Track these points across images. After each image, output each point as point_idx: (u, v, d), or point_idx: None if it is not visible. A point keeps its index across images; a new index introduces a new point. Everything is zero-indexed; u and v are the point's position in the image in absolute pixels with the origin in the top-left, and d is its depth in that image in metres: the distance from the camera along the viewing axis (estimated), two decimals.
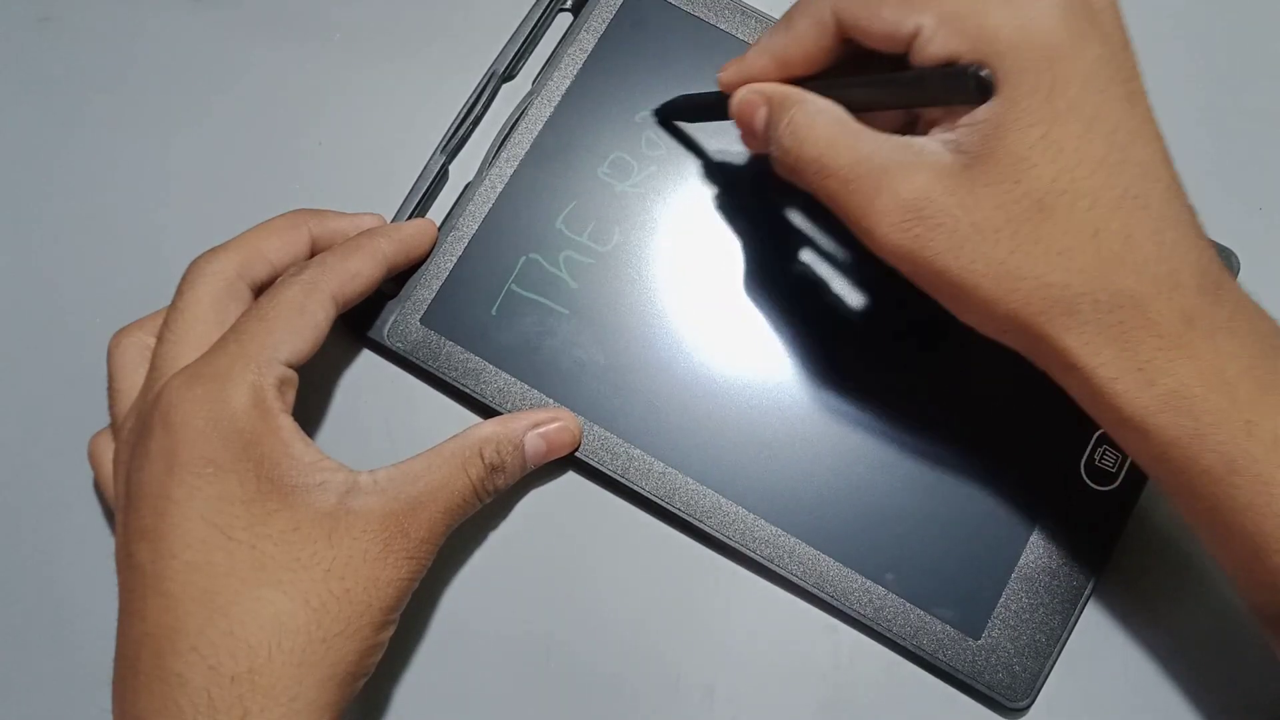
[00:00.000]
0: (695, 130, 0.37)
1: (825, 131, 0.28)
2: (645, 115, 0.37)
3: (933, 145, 0.27)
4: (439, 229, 0.36)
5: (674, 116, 0.37)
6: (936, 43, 0.27)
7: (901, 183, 0.27)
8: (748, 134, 0.31)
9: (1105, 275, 0.26)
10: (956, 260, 0.27)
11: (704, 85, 0.37)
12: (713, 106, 0.33)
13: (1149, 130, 0.27)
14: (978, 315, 0.28)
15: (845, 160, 0.28)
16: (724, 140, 0.37)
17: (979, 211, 0.26)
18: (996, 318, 0.28)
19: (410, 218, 0.37)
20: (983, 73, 0.26)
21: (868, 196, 0.27)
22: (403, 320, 0.35)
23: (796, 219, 0.36)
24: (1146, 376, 0.27)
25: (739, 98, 0.31)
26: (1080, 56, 0.26)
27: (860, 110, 0.29)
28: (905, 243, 0.27)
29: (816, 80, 0.30)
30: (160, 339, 0.32)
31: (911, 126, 0.30)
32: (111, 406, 0.33)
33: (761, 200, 0.36)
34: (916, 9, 0.27)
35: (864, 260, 0.36)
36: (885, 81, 0.28)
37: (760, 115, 0.30)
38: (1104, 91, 0.26)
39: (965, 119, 0.27)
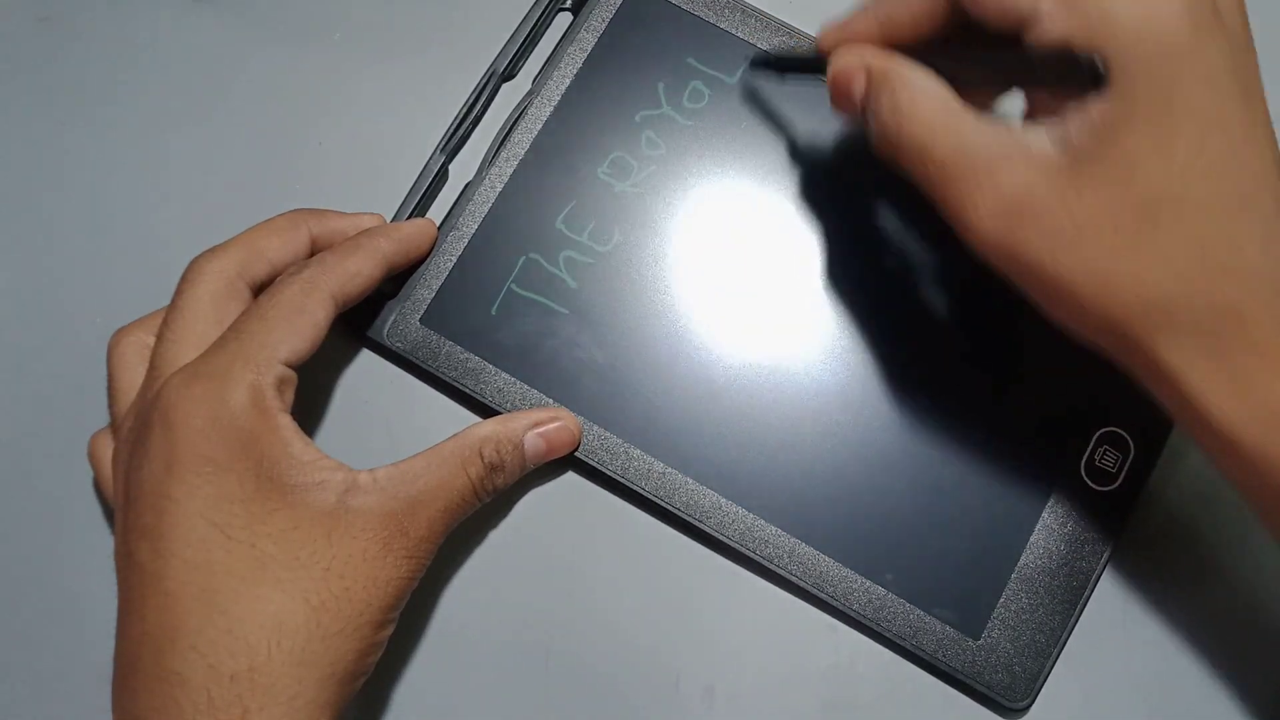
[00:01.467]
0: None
1: (928, 113, 0.27)
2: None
3: (1039, 137, 0.26)
4: (439, 229, 0.36)
5: (769, 67, 0.35)
6: (1053, 24, 0.25)
7: (1005, 176, 0.26)
8: (843, 101, 0.30)
9: (1208, 285, 0.25)
10: (1055, 260, 0.26)
11: (702, 84, 0.37)
12: (811, 62, 0.32)
13: (1265, 135, 0.26)
14: (1071, 316, 0.27)
15: (948, 147, 0.27)
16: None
17: (1083, 212, 0.25)
18: (1091, 321, 0.27)
19: (410, 217, 0.37)
20: (1098, 61, 0.24)
21: (968, 187, 0.26)
22: (402, 320, 0.35)
23: (801, 215, 0.36)
24: (1241, 390, 0.26)
25: (839, 63, 0.30)
26: (1202, 55, 0.25)
27: (965, 86, 0.28)
28: (1004, 239, 0.26)
29: (920, 51, 0.29)
30: (159, 338, 0.32)
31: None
32: (111, 406, 0.33)
33: (768, 197, 0.36)
34: None
35: (866, 261, 0.36)
36: (995, 60, 0.27)
37: (859, 84, 0.29)
38: (1223, 93, 0.25)
39: (1077, 112, 0.25)
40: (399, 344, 0.35)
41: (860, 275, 0.36)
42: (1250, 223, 0.25)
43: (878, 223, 0.36)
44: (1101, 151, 0.25)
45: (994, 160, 0.26)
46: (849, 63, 0.30)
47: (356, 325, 0.36)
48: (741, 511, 0.34)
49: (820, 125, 0.37)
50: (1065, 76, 0.25)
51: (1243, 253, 0.25)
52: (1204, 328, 0.26)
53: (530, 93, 0.38)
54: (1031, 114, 0.28)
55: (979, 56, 0.28)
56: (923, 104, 0.27)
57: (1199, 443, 0.28)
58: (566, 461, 0.35)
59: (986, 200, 0.26)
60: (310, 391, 0.35)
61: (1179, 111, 0.25)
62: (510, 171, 0.37)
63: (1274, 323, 0.25)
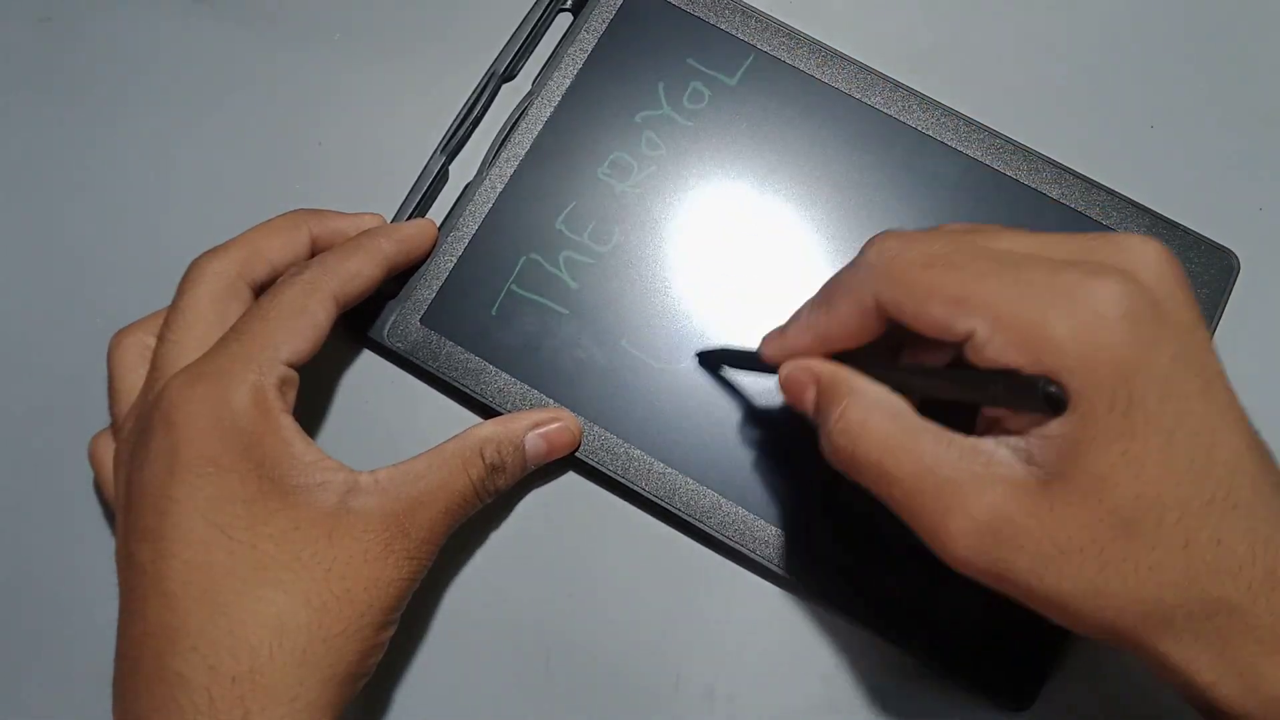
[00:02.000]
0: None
1: (881, 432, 0.26)
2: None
3: (1003, 453, 0.25)
4: (439, 229, 0.36)
5: (718, 364, 0.35)
6: (993, 349, 0.25)
7: (975, 501, 0.25)
8: (797, 408, 0.29)
9: (1198, 585, 0.25)
10: (1041, 580, 0.25)
11: (702, 85, 0.37)
12: (758, 364, 0.31)
13: (1230, 419, 0.25)
14: (1067, 623, 0.26)
15: (908, 470, 0.26)
16: None
17: (1062, 532, 0.25)
18: (1089, 627, 0.26)
19: (410, 218, 0.37)
20: (1052, 389, 0.24)
21: (938, 514, 0.25)
22: (403, 320, 0.35)
23: (801, 215, 0.36)
24: (1248, 682, 0.25)
25: (786, 374, 0.30)
26: (1154, 364, 0.24)
27: (917, 395, 0.27)
28: (985, 562, 0.25)
29: (869, 358, 0.28)
30: (161, 339, 0.32)
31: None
32: (112, 406, 0.33)
33: (768, 197, 0.36)
34: (968, 311, 0.25)
35: None
36: (946, 376, 0.27)
37: (809, 397, 0.29)
38: (1180, 393, 0.24)
39: (1037, 430, 0.25)
40: (400, 344, 0.35)
41: None
42: (1232, 517, 0.25)
43: (882, 222, 0.36)
44: (1069, 471, 0.24)
45: (961, 483, 0.25)
46: (796, 375, 0.29)
47: (357, 325, 0.36)
48: (741, 511, 0.34)
49: None
50: (1019, 398, 0.25)
51: (1228, 549, 0.25)
52: (1203, 626, 0.25)
53: (530, 93, 0.38)
54: (986, 422, 0.27)
55: (932, 371, 0.27)
56: (876, 423, 0.27)
57: None
58: (567, 461, 0.35)
59: (960, 525, 0.25)
60: (311, 392, 0.35)
61: (1140, 423, 0.24)
62: (510, 172, 0.37)
63: (1271, 612, 0.25)
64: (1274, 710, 0.25)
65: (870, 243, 0.28)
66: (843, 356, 0.29)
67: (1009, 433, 0.26)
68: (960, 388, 0.26)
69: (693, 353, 0.35)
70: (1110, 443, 0.24)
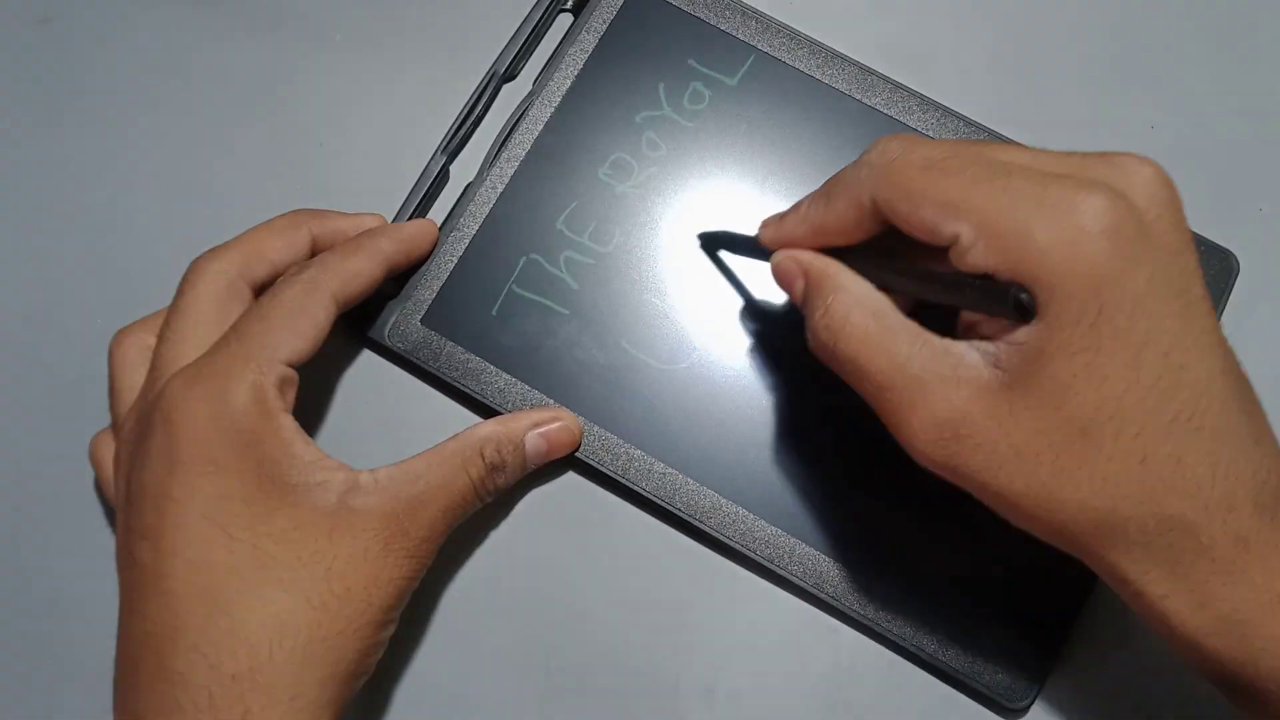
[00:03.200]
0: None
1: (861, 328, 0.27)
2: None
3: (972, 356, 0.26)
4: (440, 229, 0.36)
5: (717, 246, 0.36)
6: (975, 254, 0.25)
7: (938, 399, 0.26)
8: (787, 293, 0.31)
9: (1153, 501, 0.25)
10: (995, 479, 0.26)
11: (702, 85, 0.37)
12: (755, 249, 0.32)
13: (1206, 342, 0.25)
14: (1021, 524, 0.27)
15: (881, 365, 0.27)
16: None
17: (1018, 434, 0.25)
18: (1041, 530, 0.27)
19: (411, 218, 0.37)
20: (1023, 296, 0.24)
21: (903, 408, 0.26)
22: (403, 320, 0.35)
23: None
24: (1198, 599, 0.26)
25: (778, 262, 0.31)
26: (1130, 281, 0.25)
27: (900, 294, 0.28)
28: (942, 457, 0.26)
29: (857, 254, 0.29)
30: (161, 339, 0.32)
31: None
32: (112, 406, 0.33)
33: (769, 197, 0.36)
34: (956, 215, 0.26)
35: None
36: (926, 277, 0.27)
37: (798, 287, 0.30)
38: (1157, 313, 0.25)
39: (1006, 336, 0.26)
40: (400, 344, 0.35)
41: None
42: (1195, 437, 0.25)
43: None
44: (1032, 376, 0.25)
45: (927, 381, 0.26)
46: (787, 264, 0.30)
47: (358, 325, 0.36)
48: (741, 511, 0.34)
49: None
50: (992, 303, 0.25)
51: (1188, 469, 0.25)
52: (1155, 541, 0.25)
53: (531, 94, 0.38)
54: (965, 325, 0.28)
55: (913, 271, 0.28)
56: (856, 318, 0.28)
57: (1163, 639, 0.27)
58: (567, 461, 0.35)
59: (922, 420, 0.26)
60: (312, 392, 0.35)
61: (1108, 337, 0.24)
62: (511, 172, 0.37)
63: (1227, 534, 0.25)
64: (1223, 628, 0.26)
65: (874, 144, 0.28)
66: (834, 252, 0.30)
67: (983, 338, 0.26)
68: (939, 290, 0.27)
69: (690, 352, 0.35)
70: (1075, 353, 0.25)
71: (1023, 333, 0.25)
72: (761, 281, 0.36)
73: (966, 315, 0.28)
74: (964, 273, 0.26)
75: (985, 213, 0.25)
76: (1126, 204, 0.25)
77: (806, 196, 0.30)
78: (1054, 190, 0.25)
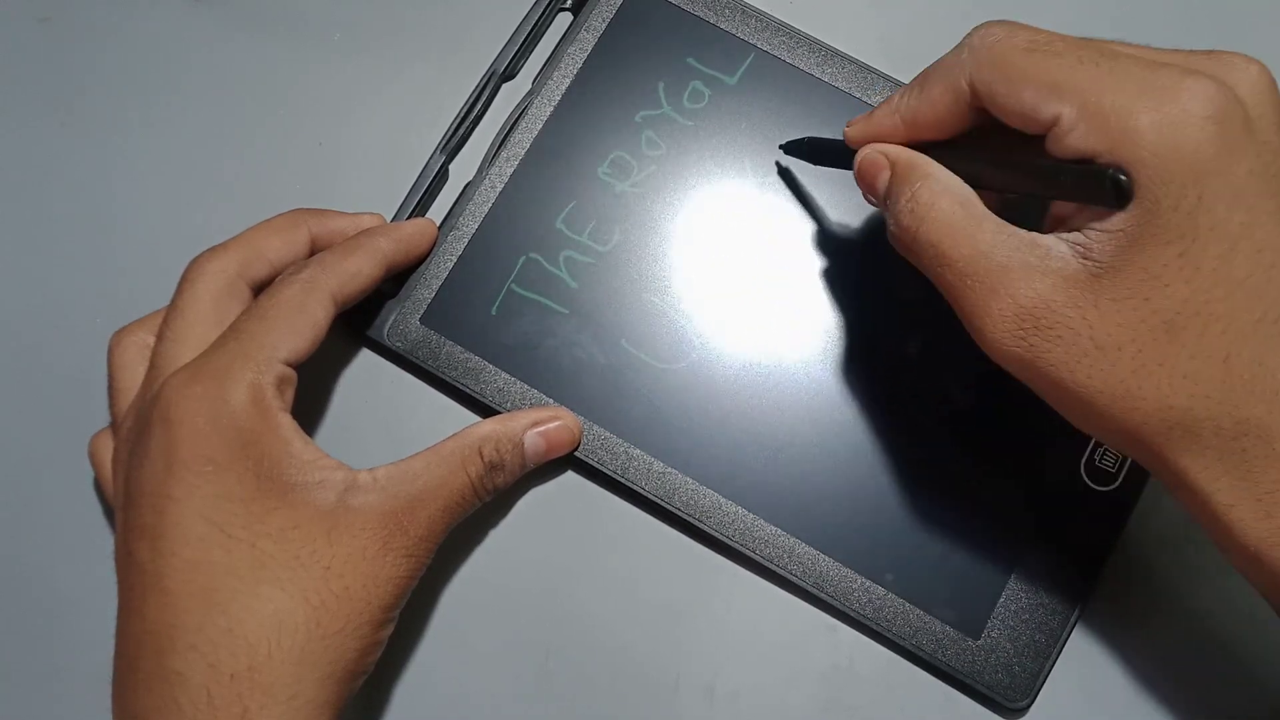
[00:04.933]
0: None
1: (947, 215, 0.27)
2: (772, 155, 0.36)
3: (1059, 247, 0.26)
4: (439, 228, 0.36)
5: (797, 154, 0.36)
6: (1075, 136, 0.25)
7: (1021, 286, 0.25)
8: (868, 191, 0.30)
9: (1232, 402, 0.25)
10: (1073, 373, 0.25)
11: (702, 84, 0.37)
12: (839, 154, 0.32)
13: None
14: (1089, 425, 0.27)
15: (965, 252, 0.26)
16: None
17: (1101, 326, 0.25)
18: (1110, 431, 0.26)
19: (410, 217, 0.37)
20: (1121, 177, 0.24)
21: (983, 295, 0.26)
22: (402, 320, 0.35)
23: (802, 215, 0.36)
24: (1265, 508, 0.25)
25: (863, 156, 0.30)
26: (1230, 172, 0.24)
27: (987, 189, 0.28)
28: (1019, 350, 0.26)
29: (946, 148, 0.29)
30: (160, 338, 0.32)
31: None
32: (111, 405, 0.33)
33: (769, 197, 0.36)
34: (1059, 96, 0.25)
35: (867, 262, 0.36)
36: (1017, 167, 0.27)
37: (883, 179, 0.29)
38: (1253, 208, 0.24)
39: (1098, 224, 0.25)
40: (399, 344, 0.35)
41: (861, 276, 0.36)
42: (1278, 342, 0.25)
43: (879, 224, 0.36)
44: (1122, 266, 0.25)
45: (1011, 269, 0.26)
46: (873, 157, 0.30)
47: (356, 325, 0.36)
48: (741, 511, 0.34)
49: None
50: (1089, 191, 0.25)
51: (1270, 372, 0.25)
52: (1228, 445, 0.25)
53: (530, 92, 0.38)
54: (1054, 222, 0.27)
55: (1003, 162, 0.27)
56: (942, 206, 0.27)
57: (1226, 555, 0.27)
58: (566, 461, 0.35)
59: (1003, 309, 0.26)
60: (310, 391, 0.35)
61: (1204, 229, 0.24)
62: (510, 171, 0.37)
63: None
64: None
65: (974, 29, 0.28)
66: (921, 149, 0.29)
67: (1072, 230, 0.26)
68: (1033, 179, 0.26)
69: (690, 351, 0.35)
70: (1169, 241, 0.24)
71: (1117, 219, 0.25)
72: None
73: (1057, 209, 0.27)
74: (1060, 159, 0.25)
75: (1088, 94, 0.25)
76: (1232, 95, 0.25)
77: (898, 90, 0.30)
78: (1161, 75, 0.25)
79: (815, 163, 0.35)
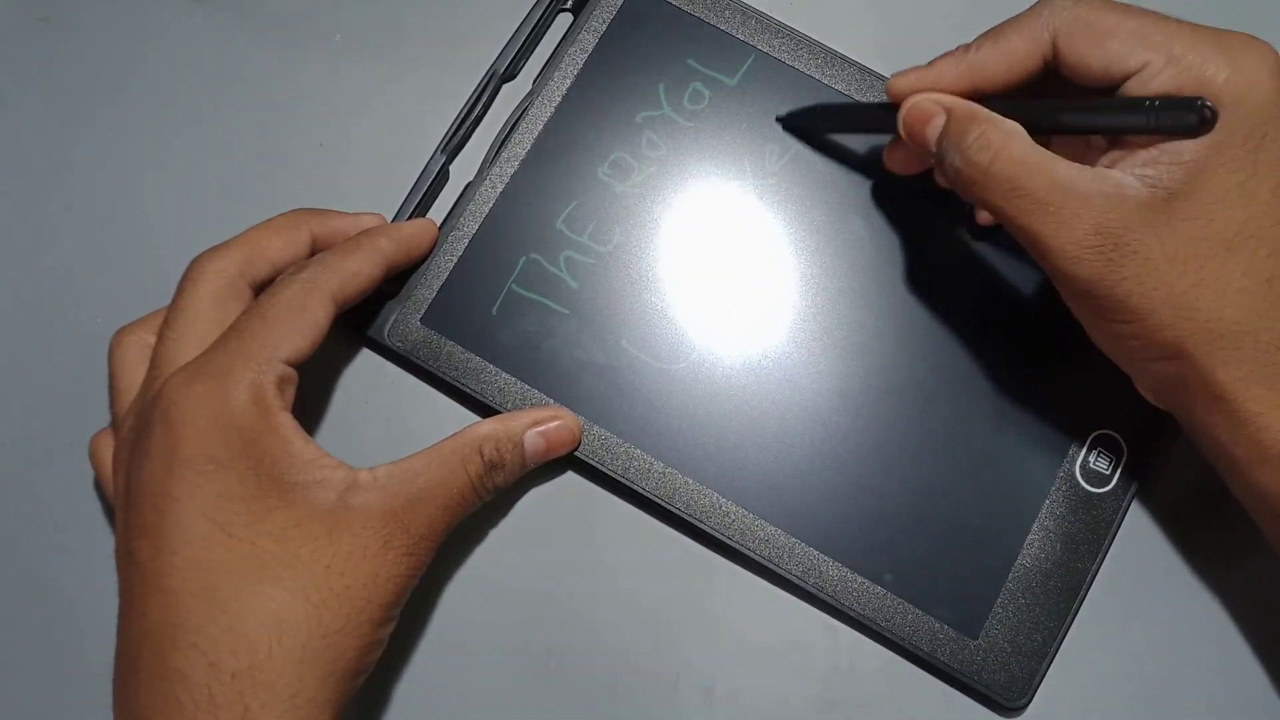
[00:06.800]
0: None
1: (1021, 152, 0.29)
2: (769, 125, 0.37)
3: (1128, 179, 0.28)
4: (440, 229, 0.36)
5: (802, 125, 0.36)
6: (1160, 81, 0.28)
7: (1102, 210, 0.28)
8: (915, 137, 0.31)
9: (1272, 318, 0.28)
10: (1141, 286, 0.28)
11: (702, 85, 0.37)
12: (857, 118, 0.33)
13: None
14: (1141, 338, 0.29)
15: (1043, 183, 0.28)
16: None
17: (1172, 243, 0.28)
18: (1159, 343, 0.29)
19: (411, 217, 0.37)
20: (1207, 106, 0.27)
21: (1064, 220, 0.28)
22: (403, 320, 0.35)
23: (801, 216, 0.36)
24: None
25: (914, 102, 0.31)
26: None
27: (1046, 134, 0.30)
28: (1096, 267, 0.28)
29: (998, 100, 0.30)
30: (160, 337, 0.32)
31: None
32: (112, 405, 0.33)
33: (768, 197, 0.37)
34: (1148, 46, 0.28)
35: (866, 262, 0.36)
36: (1092, 107, 0.29)
37: (935, 124, 0.31)
38: None
39: (1168, 156, 0.28)
40: (400, 344, 0.35)
41: (860, 276, 0.36)
42: None
43: (878, 224, 0.36)
44: (1190, 192, 0.27)
45: (1093, 197, 0.28)
46: (925, 104, 0.31)
47: (357, 325, 0.36)
48: (741, 511, 0.34)
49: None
50: (1173, 116, 0.27)
51: None
52: (1264, 357, 0.28)
53: (531, 93, 0.38)
54: (1111, 165, 0.29)
55: (1075, 105, 0.29)
56: (1015, 143, 0.29)
57: (1249, 472, 0.29)
58: (566, 461, 0.35)
59: (1085, 229, 0.28)
60: (311, 391, 0.35)
61: (1264, 163, 0.27)
62: (511, 172, 0.37)
63: None
64: None
65: None
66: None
67: (1137, 165, 0.28)
68: (1110, 115, 0.29)
69: (690, 351, 0.35)
70: (1233, 170, 0.28)
71: (1189, 150, 0.27)
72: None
73: (1109, 157, 0.29)
74: (1143, 97, 0.28)
75: (1174, 45, 0.28)
76: None
77: (959, 46, 0.31)
78: (1232, 39, 0.28)
79: (820, 133, 0.36)
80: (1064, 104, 0.30)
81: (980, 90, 0.31)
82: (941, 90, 0.31)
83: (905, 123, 0.31)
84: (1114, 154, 0.29)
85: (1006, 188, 0.29)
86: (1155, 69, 0.28)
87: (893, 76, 0.32)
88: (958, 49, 0.31)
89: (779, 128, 0.37)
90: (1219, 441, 0.29)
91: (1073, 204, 0.28)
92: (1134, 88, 0.28)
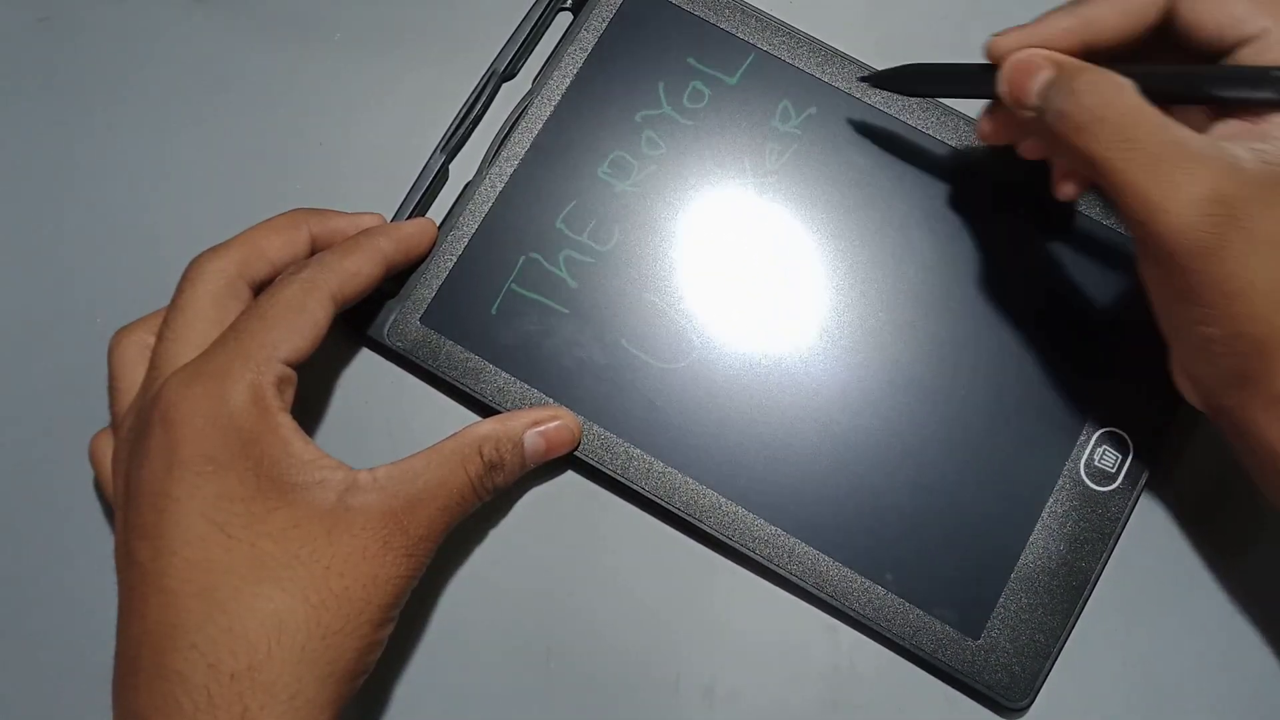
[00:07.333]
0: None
1: (1136, 105, 0.27)
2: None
3: (1240, 150, 0.27)
4: (439, 228, 0.36)
5: (894, 86, 0.35)
6: (1278, 51, 0.27)
7: (1220, 175, 0.26)
8: (1017, 89, 0.30)
9: None
10: (1244, 265, 0.26)
11: (702, 84, 0.37)
12: (952, 80, 0.32)
13: None
14: (1222, 326, 0.27)
15: (1159, 138, 0.27)
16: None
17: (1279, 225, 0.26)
18: (1242, 335, 0.27)
19: (410, 217, 0.37)
20: None
21: (1175, 179, 0.26)
22: (403, 319, 0.35)
23: (801, 215, 0.36)
24: None
25: (1020, 56, 0.29)
26: None
27: (1160, 101, 0.28)
28: (1204, 233, 0.26)
29: (1115, 65, 0.29)
30: (160, 338, 0.32)
31: None
32: (112, 405, 0.33)
33: (768, 196, 0.36)
34: (1269, 13, 0.27)
35: (867, 260, 0.36)
36: (1220, 71, 0.28)
37: (1041, 76, 0.29)
38: None
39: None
40: (399, 343, 0.35)
41: (860, 275, 0.36)
42: None
43: (878, 223, 0.36)
44: None
45: (1210, 159, 0.26)
46: (1033, 59, 0.29)
47: (357, 325, 0.36)
48: (741, 511, 0.34)
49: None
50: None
51: None
52: None
53: (530, 92, 0.38)
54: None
55: (1195, 71, 0.28)
56: (1129, 94, 0.28)
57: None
58: (566, 461, 0.35)
59: (1201, 191, 0.26)
60: (310, 391, 0.35)
61: None
62: (510, 171, 0.37)
63: None
64: None
65: None
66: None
67: (1250, 139, 0.27)
68: (1230, 82, 0.28)
69: (690, 351, 0.35)
70: None
71: None
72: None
73: (1221, 129, 0.28)
74: (1258, 65, 0.27)
75: None
76: None
77: (1066, 4, 0.30)
78: None
79: (910, 93, 0.35)
80: (1189, 69, 0.28)
81: (1090, 47, 0.29)
82: (1049, 48, 0.30)
83: (1008, 78, 0.30)
84: (1225, 126, 0.28)
85: (1118, 137, 0.27)
86: (1275, 37, 0.27)
87: (993, 36, 0.30)
88: (1067, 3, 0.30)
89: (779, 127, 0.37)
90: (1269, 441, 0.27)
91: (1190, 164, 0.26)
92: (1248, 56, 0.27)
